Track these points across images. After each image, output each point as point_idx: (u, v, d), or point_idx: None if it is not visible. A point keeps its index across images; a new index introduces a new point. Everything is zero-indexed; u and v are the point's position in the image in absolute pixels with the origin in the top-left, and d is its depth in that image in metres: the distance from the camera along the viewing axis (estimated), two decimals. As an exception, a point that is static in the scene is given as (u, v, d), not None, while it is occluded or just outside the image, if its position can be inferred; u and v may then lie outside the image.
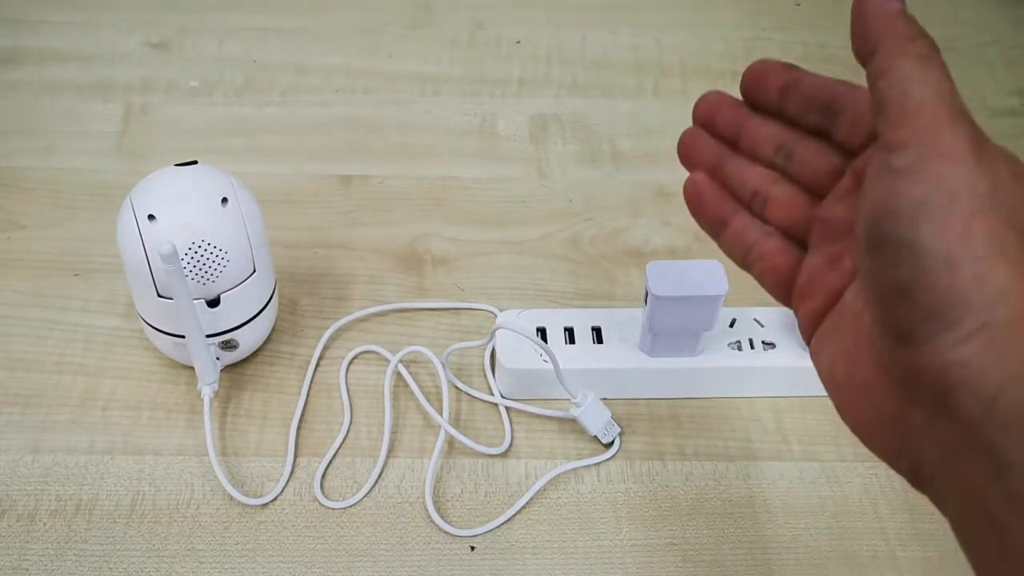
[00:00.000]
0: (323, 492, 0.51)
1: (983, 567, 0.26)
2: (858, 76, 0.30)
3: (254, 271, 0.52)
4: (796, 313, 0.33)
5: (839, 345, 0.30)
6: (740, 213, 0.34)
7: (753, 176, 0.34)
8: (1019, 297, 0.25)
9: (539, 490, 0.52)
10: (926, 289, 0.25)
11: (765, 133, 0.34)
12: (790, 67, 0.33)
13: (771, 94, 0.33)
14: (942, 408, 0.26)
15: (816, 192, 0.33)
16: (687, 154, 0.36)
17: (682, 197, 0.36)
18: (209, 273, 0.50)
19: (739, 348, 0.55)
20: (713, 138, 0.35)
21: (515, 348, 0.55)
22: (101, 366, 0.57)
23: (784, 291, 0.33)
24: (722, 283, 0.50)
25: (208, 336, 0.52)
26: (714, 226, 0.35)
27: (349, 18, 0.81)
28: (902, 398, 0.28)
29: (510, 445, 0.54)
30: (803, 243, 0.33)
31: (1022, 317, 0.25)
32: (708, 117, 0.35)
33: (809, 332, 0.32)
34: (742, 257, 0.34)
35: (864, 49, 0.28)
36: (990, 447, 0.25)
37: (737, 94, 0.35)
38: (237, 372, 0.57)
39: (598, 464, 0.53)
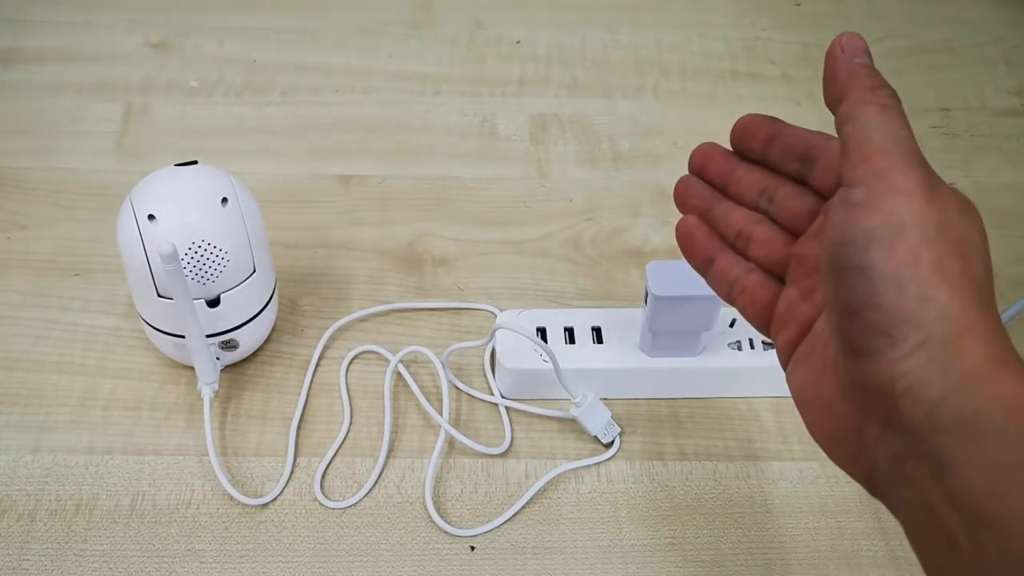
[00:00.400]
0: (323, 492, 0.51)
1: (931, 566, 0.29)
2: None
3: (254, 271, 0.52)
4: (774, 342, 0.35)
5: (809, 369, 0.33)
6: (725, 252, 0.37)
7: (738, 218, 0.37)
8: (958, 317, 0.28)
9: (539, 490, 0.52)
10: (876, 308, 0.28)
11: (750, 179, 0.37)
12: (773, 120, 0.36)
13: (756, 145, 0.36)
14: (890, 418, 0.29)
15: (794, 231, 0.36)
16: (681, 199, 0.39)
17: None
18: (209, 273, 0.50)
19: (739, 348, 0.55)
20: (705, 184, 0.38)
21: (515, 348, 0.55)
22: (101, 366, 0.57)
23: (764, 321, 0.36)
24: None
25: (208, 336, 0.52)
26: (702, 263, 0.38)
27: (349, 18, 0.81)
28: (859, 414, 0.31)
29: (510, 445, 0.54)
30: (782, 279, 0.36)
31: (961, 334, 0.28)
32: (701, 166, 0.38)
33: (785, 359, 0.35)
34: (727, 291, 0.37)
35: (833, 97, 0.31)
36: (932, 451, 0.27)
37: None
38: (237, 372, 0.57)
39: (598, 464, 0.53)
